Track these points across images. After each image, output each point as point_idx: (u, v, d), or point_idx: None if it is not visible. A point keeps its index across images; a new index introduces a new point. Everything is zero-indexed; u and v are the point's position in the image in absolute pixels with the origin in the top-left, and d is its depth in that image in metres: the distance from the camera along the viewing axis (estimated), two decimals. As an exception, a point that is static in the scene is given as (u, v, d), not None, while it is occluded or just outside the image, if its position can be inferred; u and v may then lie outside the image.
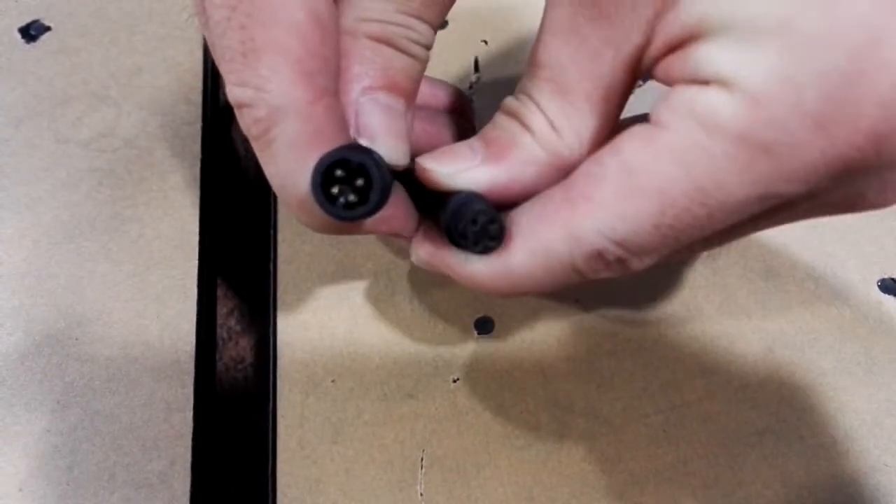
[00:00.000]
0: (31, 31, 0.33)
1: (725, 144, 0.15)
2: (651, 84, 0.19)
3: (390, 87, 0.20)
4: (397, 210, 0.22)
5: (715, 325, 0.28)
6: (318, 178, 0.18)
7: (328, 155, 0.18)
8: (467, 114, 0.26)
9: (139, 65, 0.33)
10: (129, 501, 0.26)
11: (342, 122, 0.19)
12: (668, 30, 0.16)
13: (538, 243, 0.18)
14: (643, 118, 0.17)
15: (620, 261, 0.18)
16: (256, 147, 0.19)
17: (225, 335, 0.30)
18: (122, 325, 0.28)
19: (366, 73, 0.20)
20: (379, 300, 0.29)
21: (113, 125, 0.32)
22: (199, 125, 0.32)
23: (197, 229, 0.30)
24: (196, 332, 0.28)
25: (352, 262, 0.29)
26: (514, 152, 0.19)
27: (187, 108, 0.32)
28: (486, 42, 0.34)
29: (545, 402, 0.27)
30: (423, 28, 0.20)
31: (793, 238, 0.30)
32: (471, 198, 0.19)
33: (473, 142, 0.20)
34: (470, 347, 0.28)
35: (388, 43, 0.20)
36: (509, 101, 0.20)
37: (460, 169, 0.20)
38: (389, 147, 0.20)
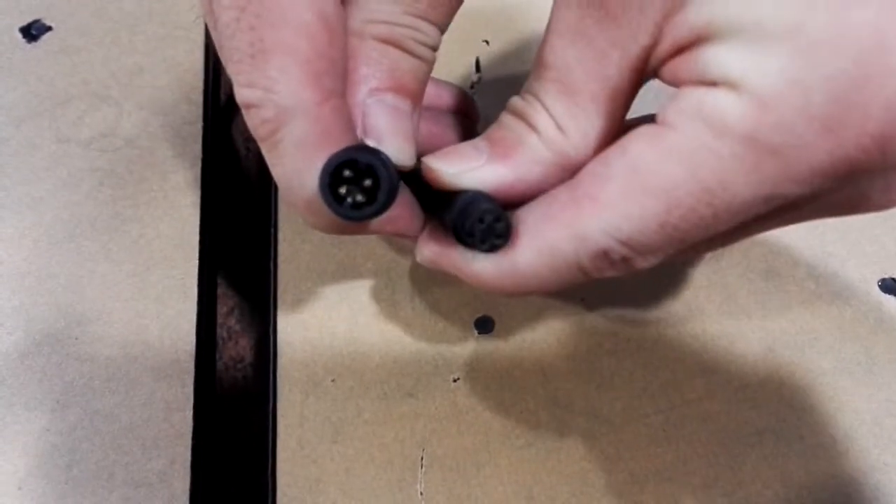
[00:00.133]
0: (33, 31, 0.33)
1: (733, 146, 0.15)
2: (652, 83, 0.19)
3: (397, 89, 0.20)
4: (403, 210, 0.22)
5: (715, 325, 0.28)
6: (326, 179, 0.18)
7: (336, 155, 0.18)
8: (472, 114, 0.26)
9: (140, 64, 0.33)
10: (128, 500, 0.26)
11: (349, 123, 0.19)
12: (676, 32, 0.17)
13: (544, 242, 0.18)
14: (650, 119, 0.17)
15: (625, 260, 0.18)
16: (264, 148, 0.19)
17: (225, 335, 0.30)
18: (123, 325, 0.28)
19: (373, 74, 0.20)
20: (379, 299, 0.29)
21: (114, 125, 0.32)
22: (199, 125, 0.32)
23: (197, 229, 0.30)
24: (196, 331, 0.28)
25: (352, 262, 0.29)
26: (519, 152, 0.19)
27: (188, 108, 0.32)
28: (487, 42, 0.34)
29: (545, 401, 0.27)
30: (430, 29, 0.20)
31: (793, 238, 0.30)
32: (477, 197, 0.19)
33: (479, 142, 0.20)
34: (470, 347, 0.28)
35: (395, 44, 0.20)
36: (515, 101, 0.20)
37: (466, 169, 0.20)
38: (396, 148, 0.20)
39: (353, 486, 0.26)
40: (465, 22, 0.34)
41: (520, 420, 0.27)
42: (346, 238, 0.30)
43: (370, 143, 0.20)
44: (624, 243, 0.17)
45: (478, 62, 0.33)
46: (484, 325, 0.28)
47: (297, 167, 0.19)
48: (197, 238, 0.30)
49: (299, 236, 0.30)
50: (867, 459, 0.26)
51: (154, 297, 0.29)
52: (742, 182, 0.16)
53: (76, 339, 0.28)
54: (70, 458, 0.26)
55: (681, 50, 0.17)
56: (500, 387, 0.27)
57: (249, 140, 0.33)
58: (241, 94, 0.18)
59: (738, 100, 0.15)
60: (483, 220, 0.19)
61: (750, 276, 0.29)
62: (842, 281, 0.29)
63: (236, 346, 0.29)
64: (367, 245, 0.30)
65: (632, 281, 0.29)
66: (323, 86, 0.18)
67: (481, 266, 0.20)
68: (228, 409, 0.28)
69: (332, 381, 0.27)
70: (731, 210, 0.16)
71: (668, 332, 0.28)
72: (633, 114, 0.20)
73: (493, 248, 0.19)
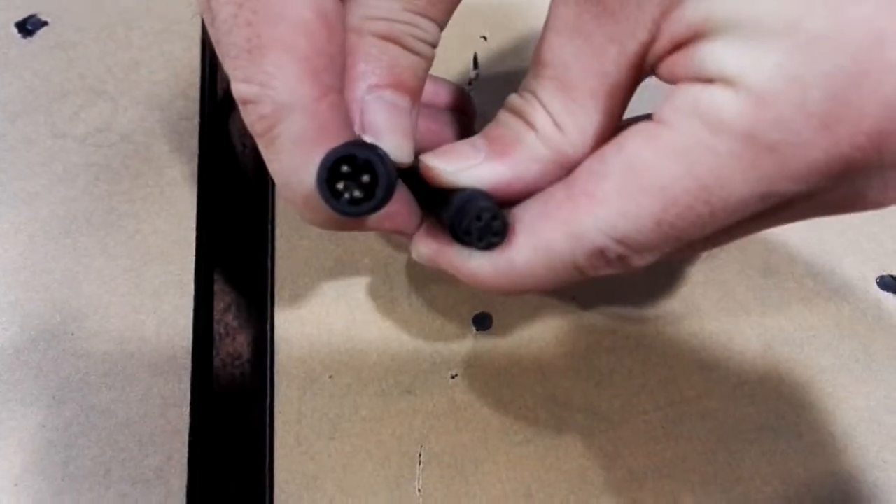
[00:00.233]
0: (28, 26, 0.33)
1: (730, 143, 0.15)
2: (650, 81, 0.19)
3: (396, 86, 0.20)
4: (401, 207, 0.22)
5: (713, 322, 0.28)
6: (324, 174, 0.18)
7: (334, 150, 0.18)
8: (469, 111, 0.26)
9: (136, 60, 0.32)
10: (124, 497, 0.26)
11: (347, 119, 0.19)
12: (675, 28, 0.17)
13: (540, 240, 0.18)
14: (646, 117, 0.17)
15: (621, 258, 0.18)
16: (261, 144, 0.19)
17: (222, 331, 0.29)
18: (119, 321, 0.28)
19: (372, 71, 0.20)
20: (377, 296, 0.29)
21: (110, 120, 0.32)
22: (196, 120, 0.32)
23: (194, 224, 0.30)
24: (193, 327, 0.28)
25: (350, 258, 0.29)
26: (517, 150, 0.19)
27: (185, 104, 0.32)
28: (485, 38, 0.33)
29: (543, 398, 0.27)
30: (430, 26, 0.20)
31: (792, 235, 0.30)
32: (475, 194, 0.19)
33: (477, 139, 0.20)
34: (468, 344, 0.28)
35: (395, 41, 0.20)
36: (513, 99, 0.20)
37: (464, 167, 0.20)
38: (395, 144, 0.20)
39: (350, 482, 0.26)
40: (463, 18, 0.34)
41: (518, 417, 0.27)
42: (344, 234, 0.30)
43: (368, 139, 0.20)
44: (620, 241, 0.17)
45: (475, 59, 0.33)
46: (482, 322, 0.28)
47: (294, 163, 0.19)
48: (194, 234, 0.30)
49: (297, 232, 0.30)
50: (866, 456, 0.26)
51: (150, 292, 0.29)
52: (739, 179, 0.16)
53: (72, 334, 0.28)
54: (66, 455, 0.26)
55: (678, 46, 0.17)
56: (498, 384, 0.27)
57: (246, 136, 0.33)
58: (238, 90, 0.18)
59: (735, 96, 0.15)
60: (480, 218, 0.18)
61: (748, 273, 0.29)
62: (840, 278, 0.29)
63: (233, 342, 0.29)
64: (364, 241, 0.30)
65: (630, 278, 0.29)
66: (320, 82, 0.18)
67: (477, 264, 0.20)
68: (225, 405, 0.28)
69: (330, 377, 0.27)
70: (728, 208, 0.16)
71: (666, 329, 0.28)
72: (631, 113, 0.20)
73: (489, 246, 0.19)
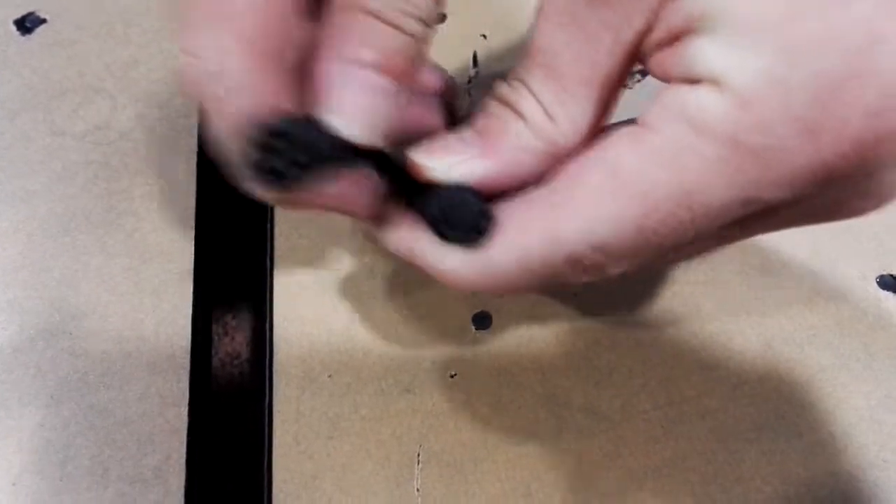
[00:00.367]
0: (27, 24, 0.33)
1: (715, 146, 0.15)
2: (649, 80, 0.19)
3: (379, 64, 0.19)
4: (354, 188, 0.21)
5: (713, 322, 0.28)
6: (247, 145, 0.17)
7: (262, 122, 0.17)
8: (452, 96, 0.26)
9: (135, 57, 0.32)
10: (123, 496, 0.26)
11: (291, 94, 0.19)
12: (672, 18, 0.16)
13: (518, 243, 0.18)
14: (632, 122, 0.17)
15: (598, 266, 0.18)
16: (201, 111, 0.19)
17: (221, 330, 0.29)
18: (118, 320, 0.28)
19: (356, 47, 0.19)
20: (376, 295, 0.29)
21: (109, 118, 0.31)
22: (195, 118, 0.32)
23: (193, 223, 0.30)
24: (192, 326, 0.28)
25: (349, 257, 0.29)
26: (507, 142, 0.19)
27: (183, 101, 0.32)
28: (485, 36, 0.33)
29: (543, 398, 0.27)
30: (422, 2, 0.19)
31: (791, 235, 0.30)
32: (461, 189, 0.19)
33: (465, 132, 0.20)
34: (468, 343, 0.28)
35: (383, 19, 0.19)
36: (501, 88, 0.20)
37: (454, 163, 0.19)
38: (361, 124, 0.19)
39: (349, 482, 0.26)
40: (463, 16, 0.34)
41: (517, 416, 0.27)
42: (343, 233, 0.30)
43: (333, 118, 0.19)
44: (598, 248, 0.17)
45: (475, 57, 0.33)
46: (482, 322, 0.28)
47: (225, 133, 0.19)
48: (193, 232, 0.30)
49: (296, 231, 0.30)
50: (866, 456, 0.26)
51: (150, 291, 0.29)
52: (722, 184, 0.15)
53: (70, 333, 0.28)
54: (64, 454, 0.26)
55: (674, 39, 0.16)
56: (497, 383, 0.27)
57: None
58: (180, 57, 0.18)
59: (720, 98, 0.15)
60: (465, 216, 0.18)
61: (748, 273, 0.29)
62: (840, 277, 0.29)
63: (232, 341, 0.29)
64: (363, 240, 0.29)
65: (631, 278, 0.29)
66: (260, 54, 0.18)
67: (453, 262, 0.19)
68: (224, 404, 0.28)
69: (329, 376, 0.27)
70: (710, 214, 0.16)
71: (666, 328, 0.28)
72: (625, 115, 0.20)
73: (472, 243, 0.18)
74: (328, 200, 0.20)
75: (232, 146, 0.19)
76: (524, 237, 0.18)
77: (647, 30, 0.17)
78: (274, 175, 0.18)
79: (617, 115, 0.19)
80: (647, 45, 0.17)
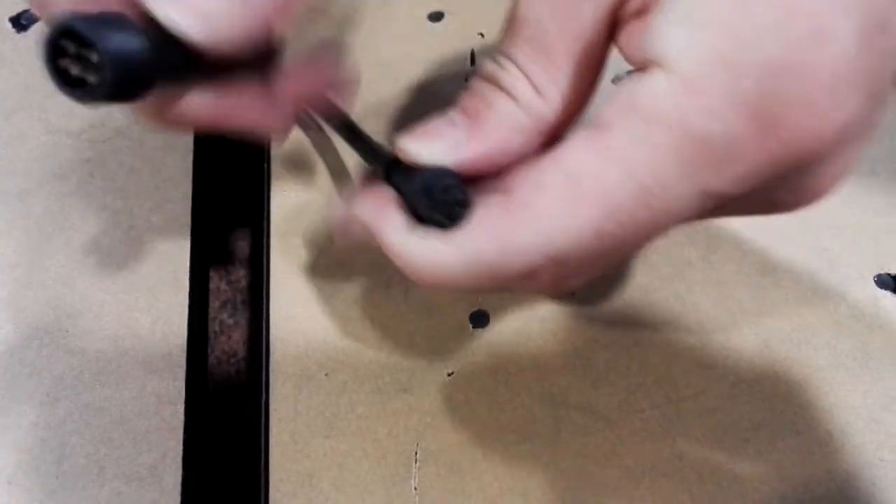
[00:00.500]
0: (22, 21, 0.33)
1: (665, 134, 0.15)
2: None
3: None
4: (241, 102, 0.19)
5: (711, 320, 0.28)
6: (46, 50, 0.16)
7: (57, 24, 0.16)
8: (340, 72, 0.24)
9: (131, 55, 0.32)
10: (119, 495, 0.25)
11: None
12: None
13: (471, 249, 0.17)
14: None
15: (554, 279, 0.17)
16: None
17: (217, 328, 0.29)
18: (113, 318, 0.28)
19: None
20: (373, 293, 0.28)
21: (104, 116, 0.31)
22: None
23: (189, 221, 0.30)
24: (188, 325, 0.28)
25: (345, 255, 0.29)
26: (497, 122, 0.18)
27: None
28: (482, 35, 0.33)
29: (540, 396, 0.27)
30: None
31: (789, 233, 0.30)
32: (443, 168, 0.18)
33: (454, 116, 0.19)
34: (465, 341, 0.28)
35: None
36: (488, 66, 0.19)
37: (445, 150, 0.18)
38: (191, 22, 0.17)
39: (346, 480, 0.26)
40: (461, 14, 0.34)
41: (515, 415, 0.27)
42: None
43: (157, 9, 0.17)
44: (556, 261, 0.16)
45: (473, 55, 0.33)
46: (479, 320, 0.28)
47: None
48: (189, 231, 0.30)
49: (292, 230, 0.30)
50: (863, 455, 0.26)
51: (145, 289, 0.28)
52: (677, 176, 0.15)
53: (66, 331, 0.28)
54: (60, 453, 0.26)
55: (642, 10, 0.16)
56: (494, 382, 0.27)
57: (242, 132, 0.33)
58: None
59: (669, 83, 0.15)
60: (448, 195, 0.18)
61: (746, 272, 0.29)
62: (838, 276, 0.29)
63: (229, 340, 0.29)
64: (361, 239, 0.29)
65: (627, 276, 0.29)
66: None
67: (411, 248, 0.18)
68: (220, 403, 0.28)
69: (326, 375, 0.27)
70: (670, 210, 0.16)
71: (663, 327, 0.28)
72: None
73: (448, 224, 0.18)
74: (223, 115, 0.19)
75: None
76: (479, 244, 0.17)
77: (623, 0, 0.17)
78: (62, 77, 0.16)
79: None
80: (621, 16, 0.17)
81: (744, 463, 0.26)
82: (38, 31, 0.32)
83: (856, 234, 0.30)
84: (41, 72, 0.32)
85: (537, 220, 0.16)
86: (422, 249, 0.18)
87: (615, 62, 0.18)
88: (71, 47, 0.16)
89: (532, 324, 0.28)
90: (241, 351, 0.29)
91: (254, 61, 0.20)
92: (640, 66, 0.16)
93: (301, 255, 0.29)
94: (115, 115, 0.31)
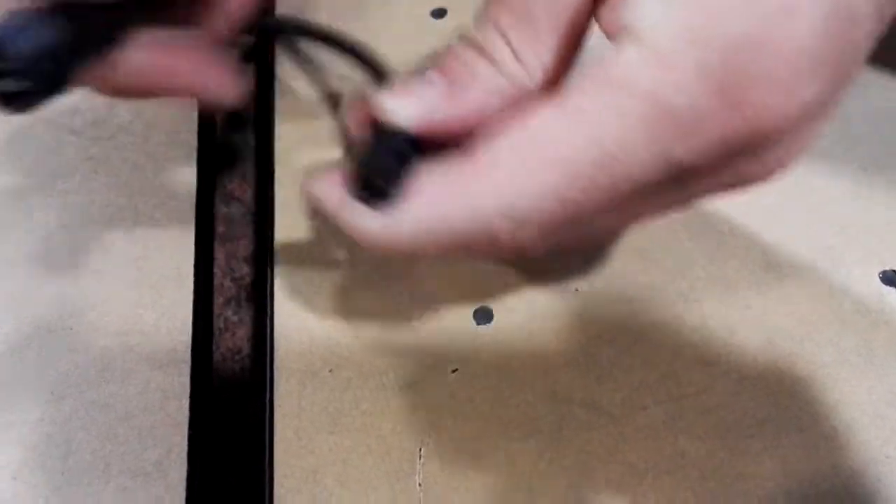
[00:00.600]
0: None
1: (634, 104, 0.15)
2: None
3: None
4: (180, 58, 0.19)
5: (715, 317, 0.28)
6: None
7: None
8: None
9: (135, 51, 0.32)
10: (124, 490, 0.26)
11: None
12: None
13: (434, 210, 0.17)
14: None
15: (515, 241, 0.17)
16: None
17: (221, 325, 0.29)
18: (118, 314, 0.28)
19: None
20: (377, 290, 0.28)
21: (107, 113, 0.31)
22: (194, 112, 0.32)
23: (193, 217, 0.30)
24: (193, 321, 0.28)
25: (350, 252, 0.29)
26: (475, 85, 0.18)
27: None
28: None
29: (544, 393, 0.27)
30: None
31: (793, 229, 0.30)
32: (397, 142, 0.18)
33: (432, 75, 0.19)
34: (469, 338, 0.28)
35: None
36: (470, 31, 0.19)
37: (421, 108, 0.18)
38: None
39: (350, 476, 0.26)
40: (462, 11, 0.34)
41: (518, 412, 0.27)
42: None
43: None
44: (517, 223, 0.17)
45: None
46: (483, 317, 0.28)
47: None
48: (193, 227, 0.30)
49: (297, 226, 0.30)
50: (869, 451, 0.26)
51: (150, 286, 0.28)
52: (642, 145, 0.15)
53: (71, 328, 0.28)
54: (65, 449, 0.26)
55: None
56: (498, 378, 0.27)
57: (246, 127, 0.33)
58: None
59: (640, 55, 0.15)
60: (384, 172, 0.17)
61: (750, 268, 0.29)
62: (842, 273, 0.29)
63: (233, 336, 0.29)
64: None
65: (631, 273, 0.29)
66: None
67: (368, 220, 0.18)
68: (225, 399, 0.28)
69: (330, 371, 0.27)
70: (631, 177, 0.16)
71: (667, 323, 0.28)
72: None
73: (381, 202, 0.18)
74: (137, 76, 0.19)
75: None
76: (441, 206, 0.17)
77: None
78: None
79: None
80: None
81: (748, 460, 0.26)
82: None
83: (861, 231, 0.30)
84: (45, 68, 0.32)
85: (499, 182, 0.16)
86: (380, 222, 0.18)
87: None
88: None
89: (536, 321, 0.28)
90: (246, 347, 0.29)
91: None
92: (615, 38, 0.16)
93: (305, 251, 0.29)
94: (118, 111, 0.31)
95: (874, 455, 0.26)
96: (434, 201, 0.17)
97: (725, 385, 0.27)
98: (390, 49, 0.33)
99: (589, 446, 0.26)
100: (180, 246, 0.29)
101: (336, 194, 0.19)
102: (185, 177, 0.30)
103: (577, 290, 0.29)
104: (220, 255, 0.30)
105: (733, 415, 0.27)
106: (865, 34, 0.15)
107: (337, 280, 0.29)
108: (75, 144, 0.31)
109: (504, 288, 0.29)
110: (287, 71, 0.33)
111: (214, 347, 0.29)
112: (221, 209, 0.31)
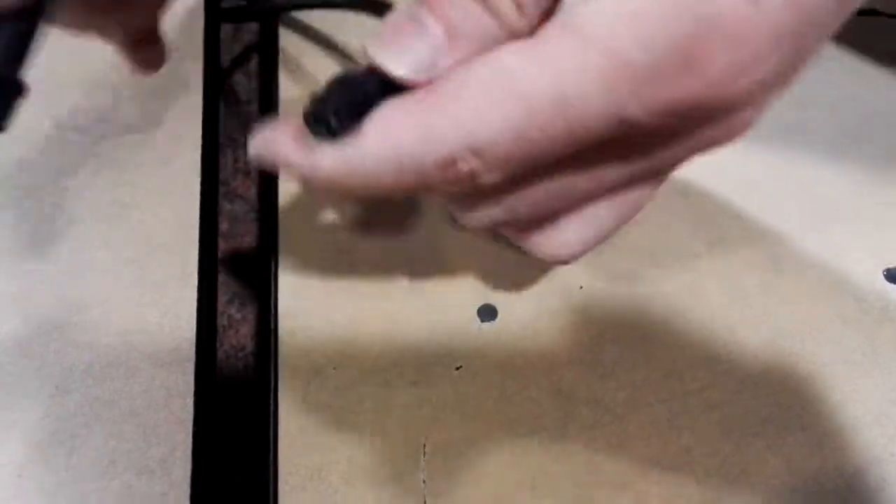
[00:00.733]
0: (30, 16, 0.33)
1: (596, 56, 0.15)
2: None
3: None
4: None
5: (719, 314, 0.28)
6: None
7: None
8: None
9: (139, 50, 0.32)
10: (129, 488, 0.26)
11: None
12: None
13: (391, 137, 0.17)
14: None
15: (472, 173, 0.17)
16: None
17: (225, 322, 0.29)
18: (122, 312, 0.28)
19: None
20: (381, 287, 0.28)
21: (112, 111, 0.31)
22: (199, 111, 0.32)
23: (197, 215, 0.30)
24: (196, 319, 0.28)
25: (353, 249, 0.29)
26: (475, 35, 0.17)
27: (187, 94, 0.32)
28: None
29: (548, 390, 0.27)
30: None
31: (798, 227, 0.30)
32: (364, 75, 0.17)
33: (427, 21, 0.18)
34: (473, 335, 0.28)
35: None
36: None
37: (424, 63, 0.17)
38: None
39: (355, 474, 0.26)
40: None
41: (523, 409, 0.27)
42: (348, 225, 0.30)
43: None
44: (475, 152, 0.17)
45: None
46: (487, 314, 0.28)
47: None
48: (197, 225, 0.30)
49: (301, 224, 0.30)
50: (872, 449, 0.26)
51: (154, 283, 0.28)
52: (598, 96, 0.15)
53: (75, 325, 0.28)
54: (70, 446, 0.26)
55: None
56: (503, 376, 0.27)
57: (249, 128, 0.33)
58: None
59: (610, 7, 0.15)
60: (339, 107, 0.17)
61: (754, 265, 0.29)
62: (846, 271, 0.29)
63: (237, 334, 0.29)
64: (368, 234, 0.29)
65: (635, 270, 0.29)
66: None
67: (321, 152, 0.18)
68: (229, 397, 0.28)
69: (334, 369, 0.27)
70: (585, 124, 0.16)
71: (671, 321, 0.28)
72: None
73: (335, 136, 0.17)
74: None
75: None
76: (399, 132, 0.17)
77: None
78: None
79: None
80: None
81: (751, 457, 0.26)
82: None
83: (866, 229, 0.30)
84: (49, 67, 0.32)
85: (460, 111, 0.16)
86: (336, 153, 0.18)
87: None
88: None
89: (540, 318, 0.28)
90: (250, 345, 0.29)
91: None
92: None
93: (309, 248, 0.29)
94: (123, 110, 0.31)
95: (878, 453, 0.26)
96: (390, 131, 0.17)
97: (729, 383, 0.27)
98: None
99: (593, 443, 0.26)
100: (185, 244, 0.29)
101: (285, 135, 0.18)
102: (190, 175, 0.30)
103: (581, 287, 0.29)
104: (223, 252, 0.30)
105: (737, 412, 0.27)
106: (828, 11, 0.16)
107: (341, 277, 0.29)
108: (80, 142, 0.31)
109: (508, 285, 0.29)
110: (291, 64, 0.33)
111: (218, 345, 0.29)
112: (225, 206, 0.31)
